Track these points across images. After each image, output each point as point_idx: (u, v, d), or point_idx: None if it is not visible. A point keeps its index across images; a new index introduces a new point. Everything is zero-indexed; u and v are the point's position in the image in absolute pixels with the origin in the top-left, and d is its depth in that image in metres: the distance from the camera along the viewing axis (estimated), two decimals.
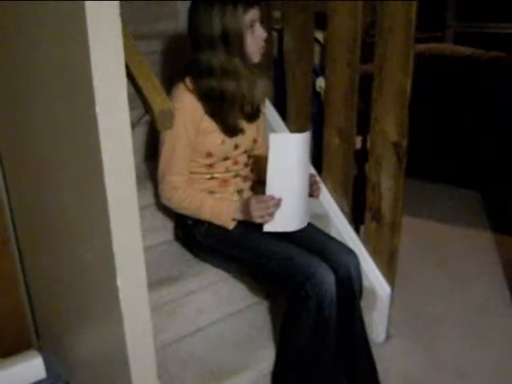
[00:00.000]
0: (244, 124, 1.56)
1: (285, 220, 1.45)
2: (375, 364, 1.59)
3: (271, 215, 1.40)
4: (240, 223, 1.51)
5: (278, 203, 1.39)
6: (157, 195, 1.58)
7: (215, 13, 1.39)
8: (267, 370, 1.52)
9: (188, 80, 1.48)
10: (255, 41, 1.45)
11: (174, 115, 1.44)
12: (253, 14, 1.42)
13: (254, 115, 1.58)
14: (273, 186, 1.39)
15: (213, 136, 1.50)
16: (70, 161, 1.16)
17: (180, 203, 1.51)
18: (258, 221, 1.42)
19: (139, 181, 1.08)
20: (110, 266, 1.08)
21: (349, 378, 1.56)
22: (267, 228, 1.44)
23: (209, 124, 1.49)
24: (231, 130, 1.51)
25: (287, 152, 1.37)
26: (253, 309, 1.71)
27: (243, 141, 1.56)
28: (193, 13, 1.44)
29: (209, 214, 1.50)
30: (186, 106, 1.46)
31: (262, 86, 1.54)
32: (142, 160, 1.72)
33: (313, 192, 1.54)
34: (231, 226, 1.50)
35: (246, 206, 1.44)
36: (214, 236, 1.51)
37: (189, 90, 1.46)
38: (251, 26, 1.43)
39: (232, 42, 1.41)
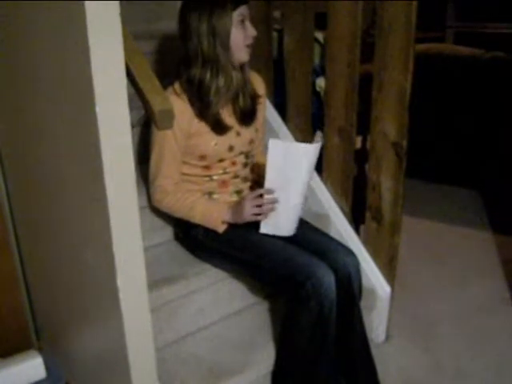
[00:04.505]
0: (237, 127, 1.55)
1: (279, 224, 1.47)
2: (375, 364, 1.59)
3: (265, 214, 1.41)
4: (239, 224, 1.51)
5: (273, 201, 1.40)
6: None
7: (205, 10, 1.39)
8: (267, 369, 1.52)
9: (177, 84, 1.48)
10: (245, 38, 1.45)
11: (174, 115, 1.44)
12: (242, 10, 1.42)
13: (246, 118, 1.56)
14: (270, 189, 1.40)
15: (205, 138, 1.49)
16: (69, 160, 1.16)
17: (170, 207, 1.52)
18: (250, 218, 1.42)
19: (136, 182, 1.08)
20: (110, 266, 1.08)
21: (348, 378, 1.56)
22: (263, 229, 1.45)
23: (199, 126, 1.48)
24: (219, 127, 1.50)
25: (285, 159, 1.37)
26: (253, 309, 1.71)
27: (238, 142, 1.55)
28: (184, 11, 1.43)
29: (199, 218, 1.50)
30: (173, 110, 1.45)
31: (247, 87, 1.54)
32: (137, 163, 1.72)
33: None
34: (221, 229, 1.50)
35: (238, 205, 1.44)
36: (213, 236, 1.51)
37: (176, 93, 1.46)
38: (242, 21, 1.43)
39: (219, 36, 1.40)
